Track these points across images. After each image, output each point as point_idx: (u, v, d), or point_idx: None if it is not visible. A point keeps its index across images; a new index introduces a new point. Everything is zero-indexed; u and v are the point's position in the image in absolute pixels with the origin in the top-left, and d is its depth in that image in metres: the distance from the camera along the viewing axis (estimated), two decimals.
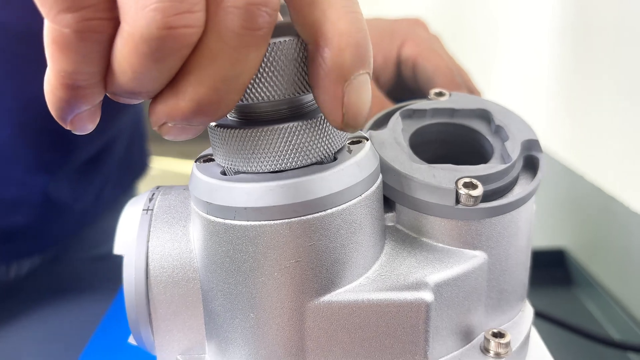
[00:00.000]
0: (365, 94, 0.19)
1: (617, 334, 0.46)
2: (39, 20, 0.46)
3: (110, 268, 0.59)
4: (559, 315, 0.42)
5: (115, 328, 0.41)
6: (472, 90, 0.40)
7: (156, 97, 0.18)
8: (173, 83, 0.18)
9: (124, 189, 0.62)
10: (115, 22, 0.17)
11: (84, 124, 0.19)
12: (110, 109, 0.49)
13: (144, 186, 0.70)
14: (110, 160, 0.56)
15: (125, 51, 0.17)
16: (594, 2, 0.53)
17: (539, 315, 0.42)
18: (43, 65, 0.48)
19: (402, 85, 0.42)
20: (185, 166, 2.61)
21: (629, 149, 0.49)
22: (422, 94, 0.41)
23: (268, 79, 0.19)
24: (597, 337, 0.42)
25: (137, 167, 0.64)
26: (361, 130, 0.25)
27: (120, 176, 0.60)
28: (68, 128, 0.19)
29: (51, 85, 0.18)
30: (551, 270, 0.55)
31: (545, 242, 0.65)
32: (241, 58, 0.17)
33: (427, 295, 0.22)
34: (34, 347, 0.47)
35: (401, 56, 0.41)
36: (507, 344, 0.24)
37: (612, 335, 0.46)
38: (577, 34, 0.57)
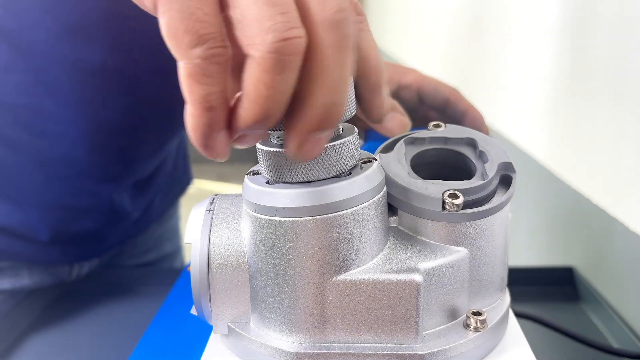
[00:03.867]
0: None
1: (618, 344, 0.53)
2: (112, 58, 0.59)
3: (157, 273, 0.69)
4: (567, 327, 0.49)
5: (164, 328, 0.48)
6: (482, 129, 0.52)
7: (288, 125, 0.26)
8: (296, 106, 0.25)
9: (170, 204, 0.73)
10: (228, 50, 0.24)
11: (220, 147, 0.25)
12: (165, 133, 0.60)
13: (186, 202, 0.80)
14: (160, 178, 0.67)
15: (257, 72, 0.23)
16: (594, 12, 0.61)
17: (549, 326, 0.49)
18: (112, 96, 0.61)
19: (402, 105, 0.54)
20: (221, 187, 2.81)
21: (631, 170, 0.56)
22: (416, 115, 0.56)
23: None
24: (598, 346, 0.49)
25: (180, 184, 0.74)
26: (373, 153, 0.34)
27: (167, 192, 0.70)
28: (208, 154, 0.26)
29: (193, 116, 0.24)
30: (561, 286, 0.62)
31: (556, 261, 0.72)
32: (343, 63, 0.25)
33: (418, 277, 0.30)
34: (89, 342, 0.55)
35: (402, 83, 0.53)
36: (484, 321, 0.32)
37: (613, 345, 0.53)
38: (576, 50, 0.64)
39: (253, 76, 0.24)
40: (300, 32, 0.24)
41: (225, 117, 0.25)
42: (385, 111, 0.29)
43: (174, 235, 0.77)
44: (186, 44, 0.24)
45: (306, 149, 0.26)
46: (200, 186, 0.78)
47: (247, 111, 0.24)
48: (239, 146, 0.27)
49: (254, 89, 0.24)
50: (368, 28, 0.29)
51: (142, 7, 0.26)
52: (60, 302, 0.62)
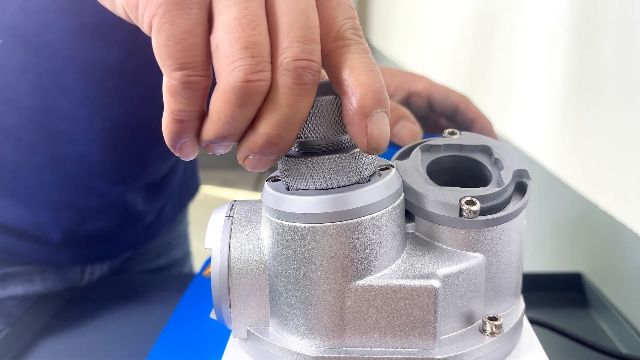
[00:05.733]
0: (383, 125, 0.27)
1: (626, 349, 0.53)
2: (128, 59, 0.60)
3: (167, 278, 0.69)
4: (575, 333, 0.50)
5: (178, 333, 0.49)
6: (490, 136, 0.53)
7: (241, 139, 0.28)
8: (251, 126, 0.27)
9: (180, 209, 0.73)
10: (207, 79, 0.27)
11: (188, 151, 0.29)
12: None
13: (194, 207, 0.81)
14: (172, 183, 0.67)
15: (220, 101, 0.26)
16: (601, 16, 0.61)
17: (557, 331, 0.50)
18: (127, 96, 0.63)
19: (413, 112, 0.55)
20: (226, 193, 2.85)
21: (639, 175, 0.57)
22: (427, 122, 0.57)
23: (316, 124, 0.29)
24: (607, 351, 0.50)
25: (190, 190, 0.75)
26: (389, 160, 0.35)
27: (178, 197, 0.71)
28: (177, 154, 0.29)
29: (166, 121, 0.28)
30: (569, 292, 0.63)
31: (564, 266, 0.73)
32: (294, 104, 0.27)
33: (436, 283, 0.31)
34: (99, 347, 0.56)
35: (412, 90, 0.54)
36: (500, 326, 0.33)
37: (622, 350, 0.53)
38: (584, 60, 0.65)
39: (216, 103, 0.26)
40: (265, 75, 0.26)
41: (195, 128, 0.28)
42: (377, 141, 0.28)
43: (184, 240, 0.78)
44: (167, 66, 0.26)
45: (249, 164, 0.28)
46: (205, 192, 0.79)
47: (207, 129, 0.27)
48: (209, 152, 0.29)
49: (215, 113, 0.27)
50: (359, 49, 0.28)
51: (141, 28, 0.28)
52: (70, 307, 0.62)
